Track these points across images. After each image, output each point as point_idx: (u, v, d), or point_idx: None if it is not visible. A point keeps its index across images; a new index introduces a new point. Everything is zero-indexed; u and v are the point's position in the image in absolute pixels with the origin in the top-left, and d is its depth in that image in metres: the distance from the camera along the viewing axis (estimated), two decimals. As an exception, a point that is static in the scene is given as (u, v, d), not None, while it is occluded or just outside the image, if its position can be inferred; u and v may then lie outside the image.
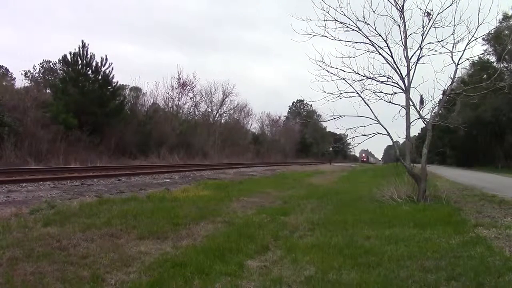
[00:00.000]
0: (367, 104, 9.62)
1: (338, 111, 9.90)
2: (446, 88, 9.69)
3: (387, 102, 9.72)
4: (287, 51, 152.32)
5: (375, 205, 8.33)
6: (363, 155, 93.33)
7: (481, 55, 29.10)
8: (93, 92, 25.97)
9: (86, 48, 26.25)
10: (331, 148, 66.81)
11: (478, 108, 35.27)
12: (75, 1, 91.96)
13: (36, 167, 16.13)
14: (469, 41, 9.03)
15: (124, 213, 6.25)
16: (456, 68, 9.40)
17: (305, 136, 71.98)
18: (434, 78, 9.23)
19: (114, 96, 28.18)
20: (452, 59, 9.25)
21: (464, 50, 9.16)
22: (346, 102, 9.73)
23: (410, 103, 9.44)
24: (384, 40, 9.35)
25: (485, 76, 25.58)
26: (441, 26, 9.08)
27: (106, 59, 26.86)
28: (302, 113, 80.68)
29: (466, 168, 38.06)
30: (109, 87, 27.43)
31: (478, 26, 8.77)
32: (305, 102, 75.99)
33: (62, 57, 26.77)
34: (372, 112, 9.63)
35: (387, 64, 9.47)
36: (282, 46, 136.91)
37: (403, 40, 9.40)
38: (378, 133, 9.69)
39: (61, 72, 30.02)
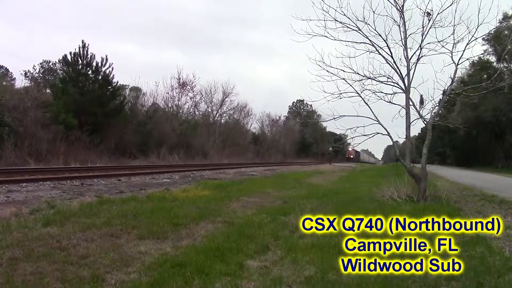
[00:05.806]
0: (367, 104, 9.62)
1: (338, 111, 9.89)
2: (446, 88, 9.69)
3: (387, 102, 9.73)
4: (287, 51, 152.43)
5: (375, 205, 8.32)
6: (350, 150, 72.13)
7: (481, 55, 29.11)
8: (93, 92, 25.96)
9: (86, 48, 26.26)
10: (331, 148, 66.45)
11: (478, 108, 35.27)
12: (75, 1, 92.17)
13: (36, 167, 16.12)
14: (469, 41, 9.04)
15: (124, 213, 6.25)
16: (456, 68, 9.41)
17: (305, 136, 71.92)
18: (434, 78, 9.24)
19: (114, 96, 28.17)
20: (452, 59, 9.27)
21: (464, 50, 9.16)
22: (346, 102, 9.72)
23: (410, 103, 9.44)
24: (384, 40, 9.37)
25: (485, 76, 25.56)
26: (441, 26, 9.09)
27: (106, 59, 26.90)
28: (302, 113, 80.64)
29: (466, 168, 38.06)
30: (109, 87, 27.42)
31: (478, 26, 8.78)
32: (305, 102, 76.02)
33: (62, 57, 26.83)
34: (372, 112, 9.63)
35: (387, 64, 9.48)
36: (282, 46, 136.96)
37: (403, 40, 9.40)
38: (378, 133, 9.69)
39: (61, 72, 30.06)
